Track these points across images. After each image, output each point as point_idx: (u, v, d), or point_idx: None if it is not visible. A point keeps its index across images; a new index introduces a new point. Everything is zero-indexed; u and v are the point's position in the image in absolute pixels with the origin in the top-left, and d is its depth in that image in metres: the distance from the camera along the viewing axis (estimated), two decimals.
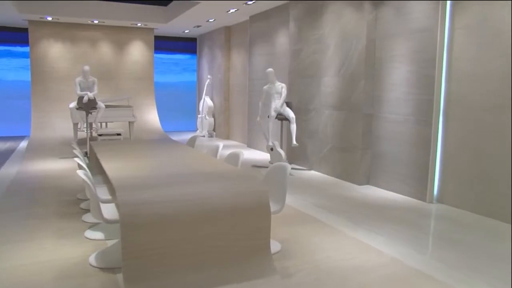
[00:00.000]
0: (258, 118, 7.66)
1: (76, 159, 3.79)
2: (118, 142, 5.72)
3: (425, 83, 5.20)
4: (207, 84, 12.23)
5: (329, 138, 6.82)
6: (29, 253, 3.45)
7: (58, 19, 10.35)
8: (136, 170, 3.61)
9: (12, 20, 10.57)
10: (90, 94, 7.84)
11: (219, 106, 11.97)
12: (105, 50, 11.57)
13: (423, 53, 5.23)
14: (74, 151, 4.28)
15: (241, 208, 3.02)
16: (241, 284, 2.90)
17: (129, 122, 9.70)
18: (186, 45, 13.84)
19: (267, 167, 7.32)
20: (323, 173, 6.98)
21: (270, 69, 7.32)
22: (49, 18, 10.25)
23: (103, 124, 10.00)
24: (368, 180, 6.18)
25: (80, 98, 7.81)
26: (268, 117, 7.17)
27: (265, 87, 7.43)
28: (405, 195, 5.54)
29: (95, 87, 8.28)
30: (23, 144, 9.86)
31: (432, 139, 5.15)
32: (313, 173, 7.08)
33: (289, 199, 5.25)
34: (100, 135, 8.64)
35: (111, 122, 9.70)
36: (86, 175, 3.20)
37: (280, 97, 7.15)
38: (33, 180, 6.20)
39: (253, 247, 3.06)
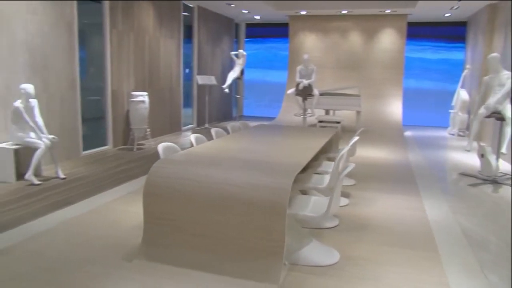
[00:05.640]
0: (471, 116, 6.21)
1: (192, 135, 4.32)
2: (277, 127, 5.98)
3: None
4: (464, 75, 10.52)
5: None
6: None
7: (311, 12, 11.24)
8: (222, 151, 3.80)
9: (275, 17, 12.20)
10: (305, 82, 8.31)
11: (474, 101, 10.11)
12: (354, 39, 11.73)
13: None
14: (212, 130, 4.84)
15: (255, 203, 2.81)
16: (234, 280, 2.76)
17: (356, 111, 9.66)
18: (453, 30, 12.20)
19: (475, 177, 5.88)
20: None
21: (493, 54, 5.77)
22: (303, 12, 11.27)
23: (331, 112, 10.31)
24: None
25: (298, 85, 8.41)
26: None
27: (485, 77, 5.93)
28: None
29: (313, 75, 8.67)
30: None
31: None
32: None
33: (446, 216, 4.21)
34: (320, 121, 9.01)
35: (338, 110, 9.88)
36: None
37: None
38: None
39: (263, 248, 2.81)
